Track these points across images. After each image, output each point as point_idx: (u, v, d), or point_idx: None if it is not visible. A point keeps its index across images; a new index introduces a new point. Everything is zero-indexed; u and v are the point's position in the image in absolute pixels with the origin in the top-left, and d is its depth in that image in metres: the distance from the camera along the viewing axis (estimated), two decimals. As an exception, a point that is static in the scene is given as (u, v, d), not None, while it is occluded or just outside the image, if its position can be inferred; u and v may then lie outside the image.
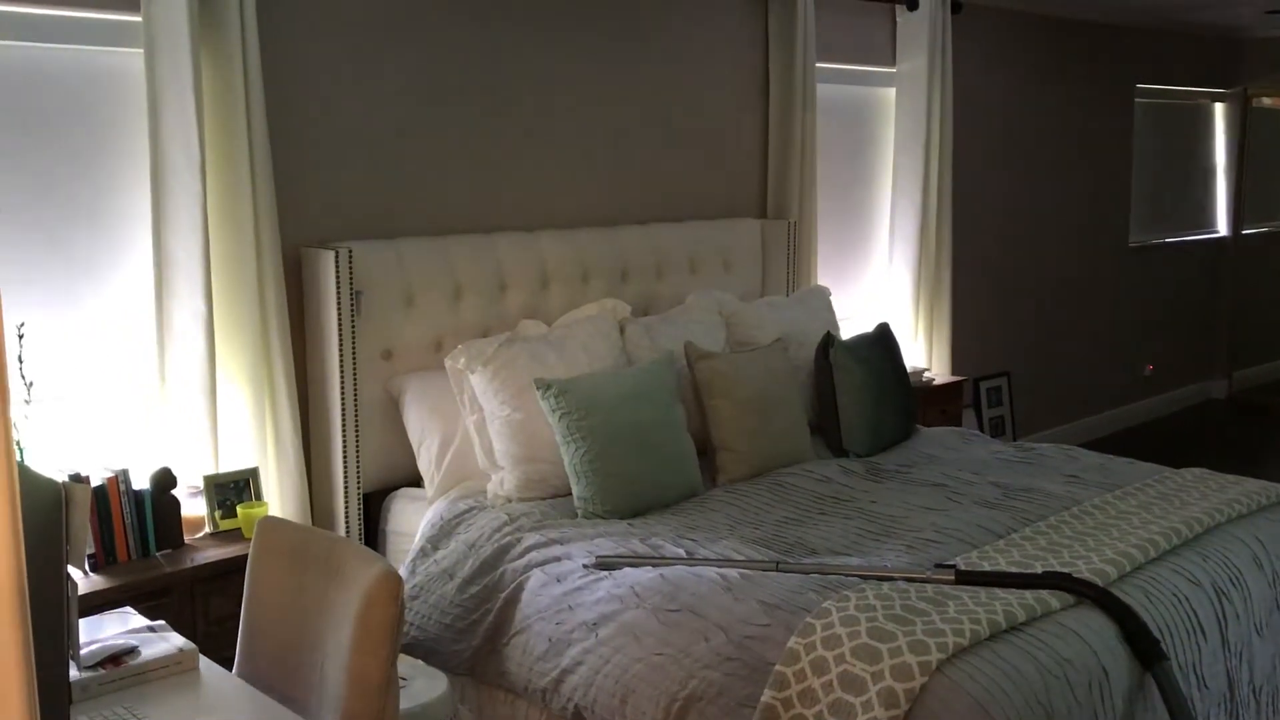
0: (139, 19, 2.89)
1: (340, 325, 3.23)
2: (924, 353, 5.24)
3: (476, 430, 3.32)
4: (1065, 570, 2.59)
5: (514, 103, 3.80)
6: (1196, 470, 3.42)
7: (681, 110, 4.33)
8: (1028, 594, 2.46)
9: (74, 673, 1.83)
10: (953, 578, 2.54)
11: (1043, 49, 6.10)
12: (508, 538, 2.99)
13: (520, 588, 2.84)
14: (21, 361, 2.74)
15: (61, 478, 2.71)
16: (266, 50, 3.12)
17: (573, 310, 3.74)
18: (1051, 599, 2.45)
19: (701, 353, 3.57)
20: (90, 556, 2.77)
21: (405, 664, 2.71)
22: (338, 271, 3.20)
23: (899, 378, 3.98)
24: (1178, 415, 7.45)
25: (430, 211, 3.62)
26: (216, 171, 3.05)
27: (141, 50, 2.90)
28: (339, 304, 3.22)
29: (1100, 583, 2.55)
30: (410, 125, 3.55)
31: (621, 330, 3.65)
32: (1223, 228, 7.88)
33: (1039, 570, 2.60)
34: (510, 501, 3.22)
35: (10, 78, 2.79)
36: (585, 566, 2.80)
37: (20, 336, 2.76)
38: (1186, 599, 2.61)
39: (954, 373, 5.28)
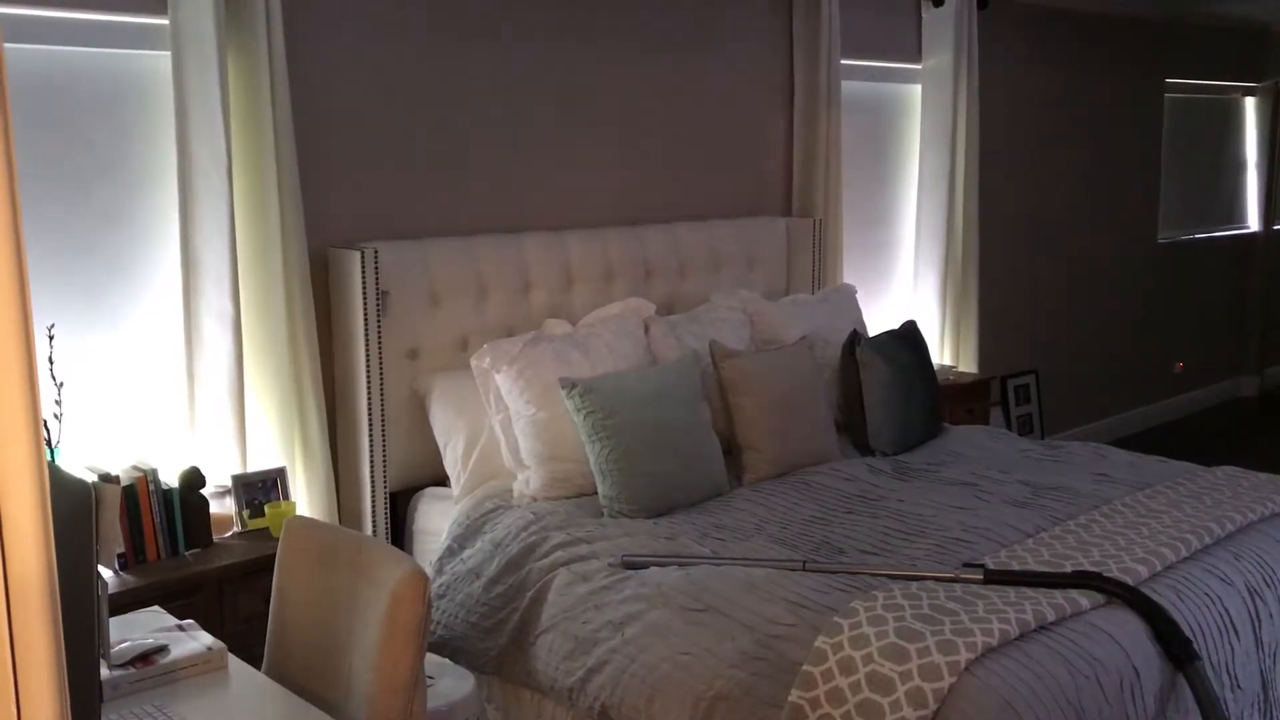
0: (166, 21, 2.91)
1: (366, 325, 3.24)
2: (951, 350, 5.21)
3: (502, 429, 3.32)
4: (1095, 569, 2.57)
5: (538, 103, 3.81)
6: (1228, 468, 3.38)
7: (705, 108, 4.32)
8: (1057, 593, 2.44)
9: (104, 671, 1.85)
10: (981, 577, 2.53)
11: (1070, 44, 6.05)
12: (533, 537, 3.00)
13: (546, 587, 2.84)
14: (52, 362, 2.77)
15: (91, 478, 2.74)
16: (292, 52, 3.13)
17: (597, 309, 3.74)
18: (1081, 598, 2.43)
19: (726, 351, 3.56)
20: (120, 556, 2.79)
21: (432, 663, 2.72)
22: (364, 272, 3.21)
23: (926, 376, 3.96)
24: (1208, 413, 7.38)
25: (455, 212, 3.63)
26: (243, 173, 3.07)
27: (169, 53, 2.92)
28: (365, 304, 3.23)
29: (1131, 582, 2.52)
30: (435, 126, 3.56)
31: (646, 329, 3.65)
32: (1254, 223, 7.79)
33: (1069, 569, 2.58)
34: (536, 500, 3.22)
35: (39, 81, 2.81)
36: (611, 566, 2.80)
37: (51, 338, 2.78)
38: (1219, 598, 2.59)
39: (981, 370, 5.25)
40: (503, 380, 3.28)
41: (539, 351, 3.31)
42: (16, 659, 0.75)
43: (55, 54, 2.84)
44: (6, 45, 2.73)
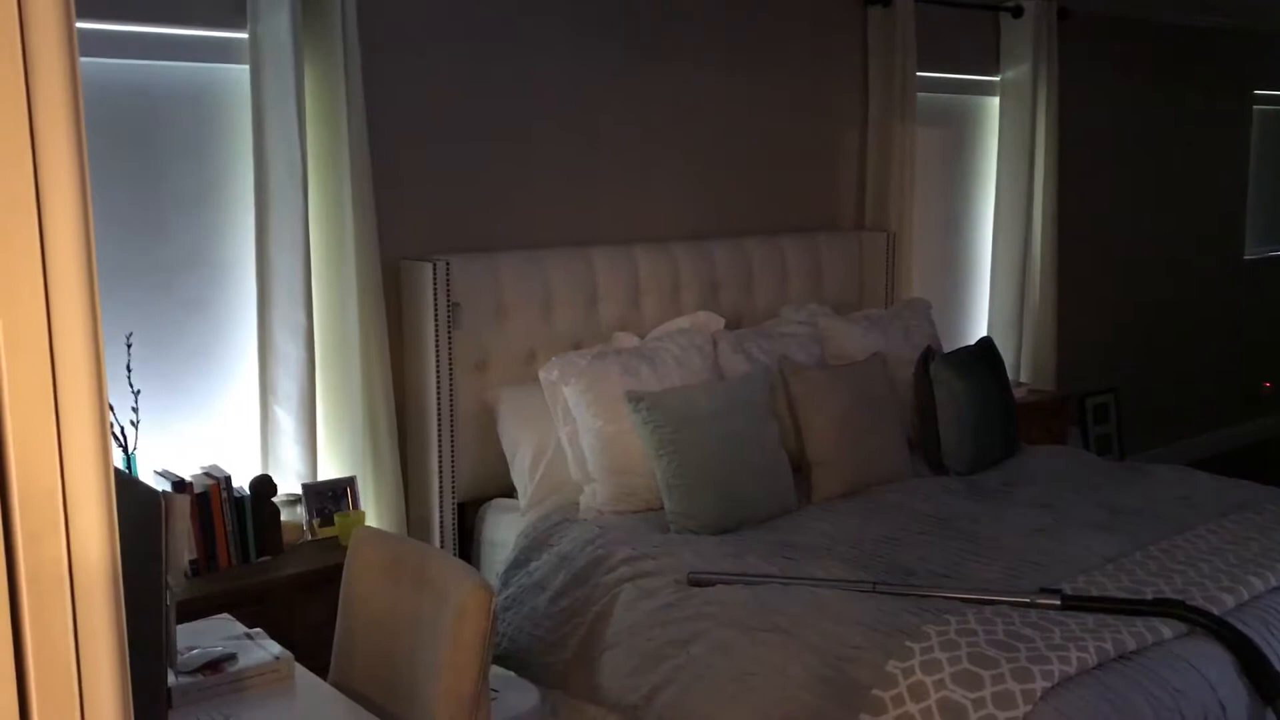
0: (245, 35, 2.96)
1: (437, 336, 3.26)
2: (1028, 367, 5.10)
3: (569, 442, 3.32)
4: (1178, 597, 2.48)
5: (608, 117, 3.81)
6: (1320, 494, 3.26)
7: (777, 121, 4.28)
8: (1138, 621, 2.36)
9: (172, 678, 1.86)
10: (1058, 603, 2.45)
11: (1153, 55, 5.91)
12: (599, 551, 2.98)
13: (612, 602, 2.82)
14: (130, 370, 2.82)
15: (165, 485, 2.78)
16: (368, 64, 3.17)
17: (665, 323, 3.72)
18: (1163, 627, 2.35)
19: (796, 366, 3.52)
20: (192, 562, 2.83)
21: (497, 675, 2.71)
22: (435, 283, 3.23)
23: (1002, 394, 3.88)
24: (1297, 435, 7.14)
25: (525, 225, 3.64)
26: (318, 184, 3.10)
27: (247, 66, 2.97)
28: (436, 315, 3.25)
29: (1216, 611, 2.43)
30: (507, 139, 3.57)
31: (714, 343, 3.62)
32: (1346, 239, 7.54)
33: (1150, 596, 2.50)
34: (602, 514, 3.21)
35: (122, 93, 2.88)
36: (677, 582, 2.77)
37: (129, 346, 2.83)
38: (1310, 630, 2.48)
39: (1059, 388, 5.13)
40: (570, 393, 3.27)
41: (606, 365, 3.30)
42: (81, 664, 0.75)
43: (137, 68, 2.90)
44: (88, 59, 2.80)
